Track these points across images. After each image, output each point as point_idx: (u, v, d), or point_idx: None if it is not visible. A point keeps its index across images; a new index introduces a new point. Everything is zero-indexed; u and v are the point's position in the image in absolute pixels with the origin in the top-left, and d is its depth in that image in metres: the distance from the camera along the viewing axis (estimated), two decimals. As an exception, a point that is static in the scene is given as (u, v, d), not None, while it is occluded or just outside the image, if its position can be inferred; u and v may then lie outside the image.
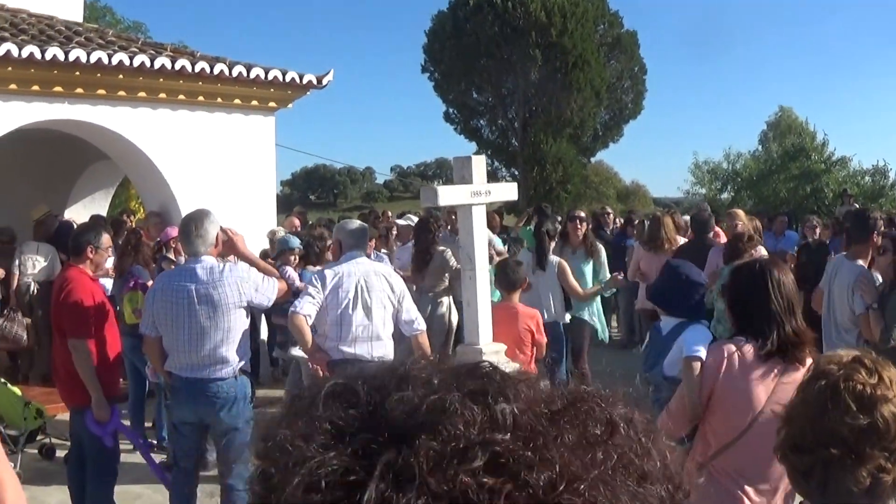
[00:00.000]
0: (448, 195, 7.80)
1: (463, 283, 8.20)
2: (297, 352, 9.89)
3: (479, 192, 7.91)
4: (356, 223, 8.23)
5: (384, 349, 7.41)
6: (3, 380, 9.48)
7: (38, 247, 13.18)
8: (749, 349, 4.56)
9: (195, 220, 6.89)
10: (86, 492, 7.19)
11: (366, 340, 7.30)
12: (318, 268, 9.16)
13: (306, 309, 7.19)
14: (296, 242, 10.90)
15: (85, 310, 6.99)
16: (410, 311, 7.55)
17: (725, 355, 4.59)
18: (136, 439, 7.64)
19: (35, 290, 12.68)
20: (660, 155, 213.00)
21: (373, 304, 7.31)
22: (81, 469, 7.30)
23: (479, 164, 8.02)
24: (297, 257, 10.73)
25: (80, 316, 6.96)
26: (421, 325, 7.64)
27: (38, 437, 9.48)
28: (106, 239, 7.45)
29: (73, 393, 7.12)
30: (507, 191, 8.84)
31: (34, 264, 12.92)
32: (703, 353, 4.90)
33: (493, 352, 7.89)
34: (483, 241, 8.16)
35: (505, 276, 8.69)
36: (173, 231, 9.47)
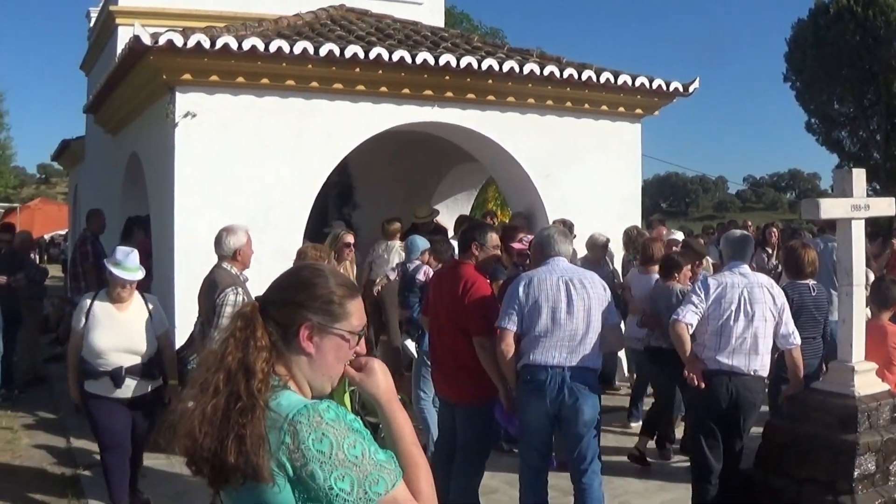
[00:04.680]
0: (829, 208, 7.60)
1: (839, 299, 7.97)
2: (409, 344, 10.12)
3: (859, 206, 7.69)
4: (739, 233, 8.14)
5: (761, 362, 7.33)
6: None
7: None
8: None
9: (569, 227, 7.13)
10: (451, 483, 7.32)
11: (744, 353, 7.24)
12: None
13: (688, 318, 7.24)
14: (424, 244, 10.69)
15: (489, 309, 7.15)
16: (788, 325, 7.43)
17: None
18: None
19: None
20: None
21: (755, 316, 7.24)
22: (449, 461, 7.44)
23: (860, 177, 7.83)
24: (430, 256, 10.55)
25: (487, 315, 7.10)
26: (796, 339, 7.50)
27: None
28: (491, 238, 7.53)
29: (470, 388, 7.24)
30: (885, 206, 8.48)
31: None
32: None
33: (864, 370, 7.69)
34: (861, 256, 7.87)
35: (880, 294, 8.40)
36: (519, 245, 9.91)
